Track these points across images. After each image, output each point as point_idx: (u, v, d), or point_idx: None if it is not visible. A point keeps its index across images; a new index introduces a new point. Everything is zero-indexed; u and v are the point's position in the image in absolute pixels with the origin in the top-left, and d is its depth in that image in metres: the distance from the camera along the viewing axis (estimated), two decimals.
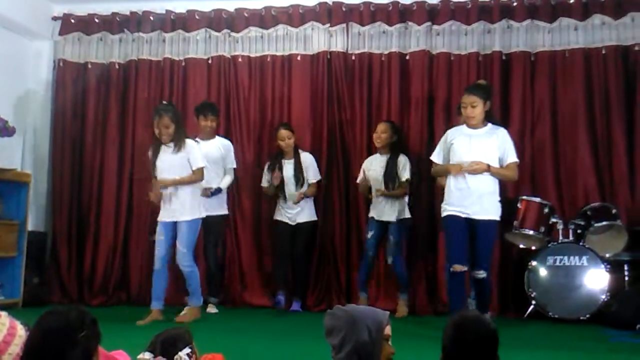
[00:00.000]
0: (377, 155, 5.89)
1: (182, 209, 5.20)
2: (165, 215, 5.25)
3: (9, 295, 5.95)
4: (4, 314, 1.95)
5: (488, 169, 4.65)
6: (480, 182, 4.65)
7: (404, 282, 5.78)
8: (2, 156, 6.06)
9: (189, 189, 5.25)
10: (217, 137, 6.00)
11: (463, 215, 4.64)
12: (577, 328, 4.98)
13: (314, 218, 6.08)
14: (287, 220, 5.99)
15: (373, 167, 5.83)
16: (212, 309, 5.79)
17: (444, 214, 4.76)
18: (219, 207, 5.89)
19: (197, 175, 5.27)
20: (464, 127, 4.84)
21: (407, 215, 5.77)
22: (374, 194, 5.80)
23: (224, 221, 6.08)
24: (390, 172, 5.71)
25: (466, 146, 4.71)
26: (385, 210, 5.72)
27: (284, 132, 5.98)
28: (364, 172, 5.88)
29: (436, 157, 4.91)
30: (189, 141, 5.29)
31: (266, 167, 6.10)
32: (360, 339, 2.14)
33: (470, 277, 4.79)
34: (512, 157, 4.78)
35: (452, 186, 4.71)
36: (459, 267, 4.59)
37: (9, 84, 6.53)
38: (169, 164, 5.21)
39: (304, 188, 5.95)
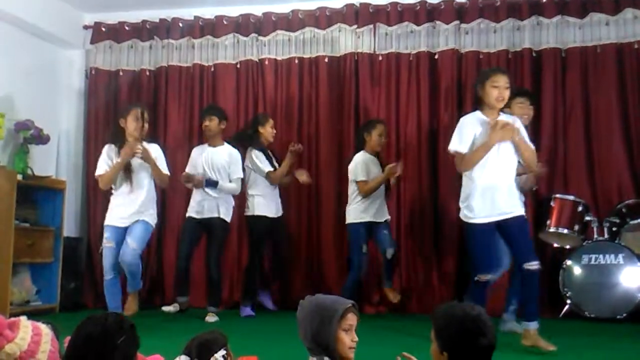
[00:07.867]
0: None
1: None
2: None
3: (46, 301, 6.07)
4: (23, 318, 2.01)
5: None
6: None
7: (391, 272, 5.64)
8: (38, 164, 6.18)
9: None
10: (225, 144, 5.72)
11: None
12: (613, 327, 4.91)
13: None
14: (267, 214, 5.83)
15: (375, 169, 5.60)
16: (211, 318, 5.37)
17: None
18: (225, 212, 5.60)
19: (165, 177, 5.26)
20: (477, 115, 4.17)
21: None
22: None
23: (225, 228, 5.68)
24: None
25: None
26: (384, 210, 5.62)
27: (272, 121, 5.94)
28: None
29: (463, 146, 4.13)
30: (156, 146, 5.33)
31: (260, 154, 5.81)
32: (315, 328, 2.20)
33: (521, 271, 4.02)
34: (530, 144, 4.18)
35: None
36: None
37: (43, 92, 6.65)
38: (139, 163, 5.12)
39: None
